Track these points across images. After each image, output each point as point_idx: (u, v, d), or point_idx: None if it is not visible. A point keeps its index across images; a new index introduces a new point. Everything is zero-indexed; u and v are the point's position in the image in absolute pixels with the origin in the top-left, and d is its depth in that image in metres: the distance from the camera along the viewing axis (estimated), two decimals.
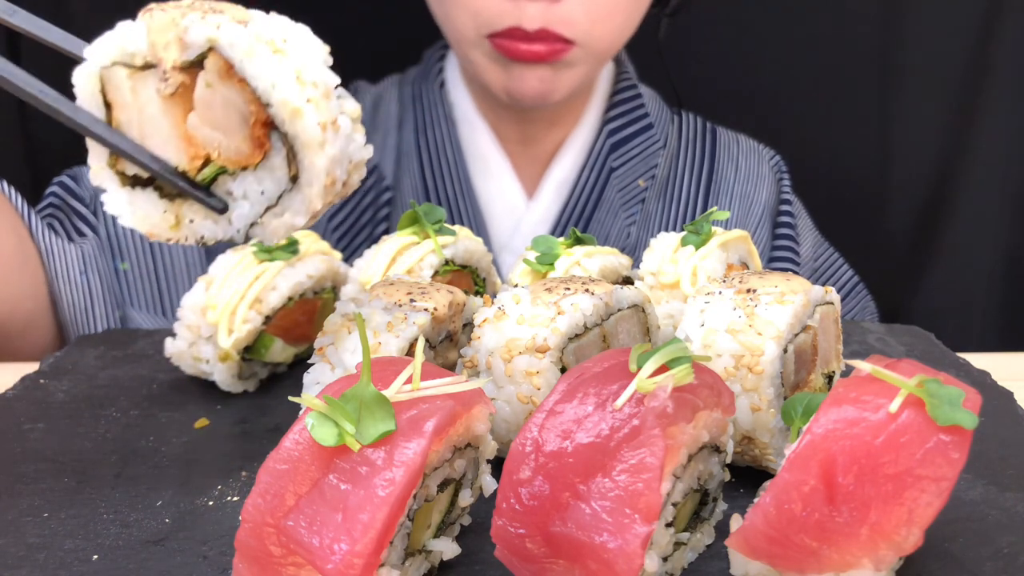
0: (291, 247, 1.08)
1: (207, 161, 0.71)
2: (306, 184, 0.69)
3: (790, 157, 1.89)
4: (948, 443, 0.61)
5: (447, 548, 0.71)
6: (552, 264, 1.05)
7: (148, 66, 0.69)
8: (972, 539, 0.75)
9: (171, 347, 1.05)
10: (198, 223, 0.73)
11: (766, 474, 0.84)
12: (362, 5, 2.03)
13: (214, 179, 0.72)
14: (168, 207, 0.73)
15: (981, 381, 1.05)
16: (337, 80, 0.71)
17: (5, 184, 1.36)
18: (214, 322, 1.01)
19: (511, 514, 0.65)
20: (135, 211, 0.74)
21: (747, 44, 2.10)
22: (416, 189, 1.67)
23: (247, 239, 0.73)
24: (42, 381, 1.09)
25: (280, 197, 0.70)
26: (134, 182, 0.74)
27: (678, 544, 0.71)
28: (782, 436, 0.83)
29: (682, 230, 1.08)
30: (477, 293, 1.12)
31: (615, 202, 1.67)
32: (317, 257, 1.11)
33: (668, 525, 0.68)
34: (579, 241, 1.11)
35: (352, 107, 0.72)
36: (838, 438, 0.63)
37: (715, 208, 1.14)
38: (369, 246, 1.10)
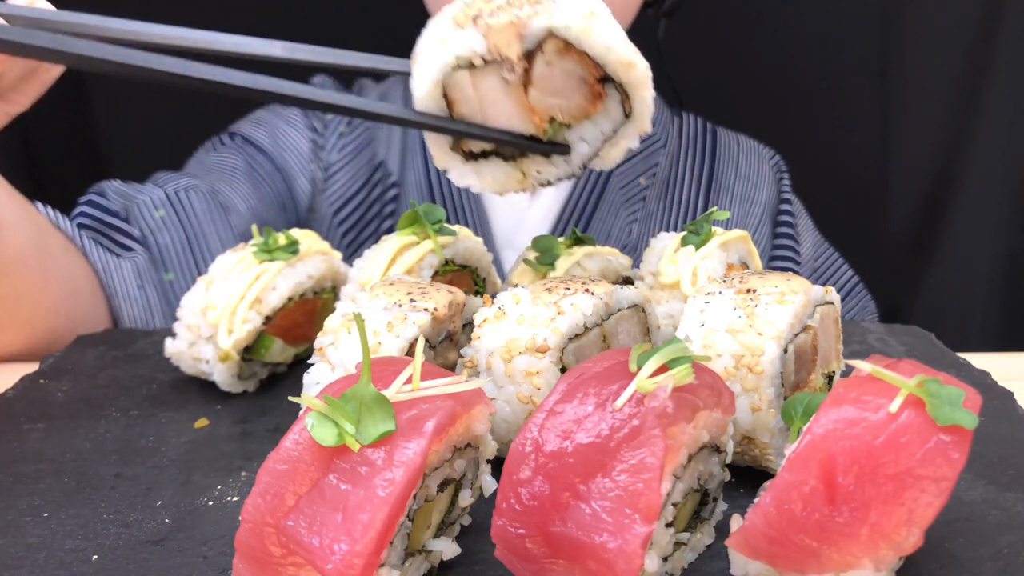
0: (291, 247, 1.08)
1: (550, 122, 0.86)
2: (639, 116, 0.85)
3: (790, 157, 1.89)
4: (948, 443, 0.61)
5: (447, 548, 0.71)
6: (552, 264, 1.05)
7: (486, 63, 0.82)
8: (972, 539, 0.75)
9: (171, 347, 1.05)
10: (543, 171, 0.89)
11: (766, 474, 0.84)
12: (367, 4, 2.03)
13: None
14: (513, 167, 0.88)
15: (981, 381, 1.05)
16: None
17: (50, 209, 1.36)
18: (214, 322, 1.01)
19: (511, 514, 0.65)
20: (483, 178, 0.89)
21: (747, 44, 2.10)
22: (420, 185, 1.67)
23: (581, 172, 0.90)
24: (42, 381, 1.09)
25: (617, 131, 0.87)
26: (475, 157, 0.88)
27: (678, 544, 0.71)
28: (782, 436, 0.83)
29: (683, 230, 1.08)
30: (477, 293, 1.12)
31: (616, 200, 1.68)
32: (317, 257, 1.11)
33: (668, 525, 0.68)
34: (579, 241, 1.11)
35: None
36: (838, 438, 0.63)
37: (715, 208, 1.14)
38: (375, 241, 1.11)
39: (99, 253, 1.39)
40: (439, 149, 0.88)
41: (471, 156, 0.89)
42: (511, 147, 0.87)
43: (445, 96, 0.84)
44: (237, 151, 1.67)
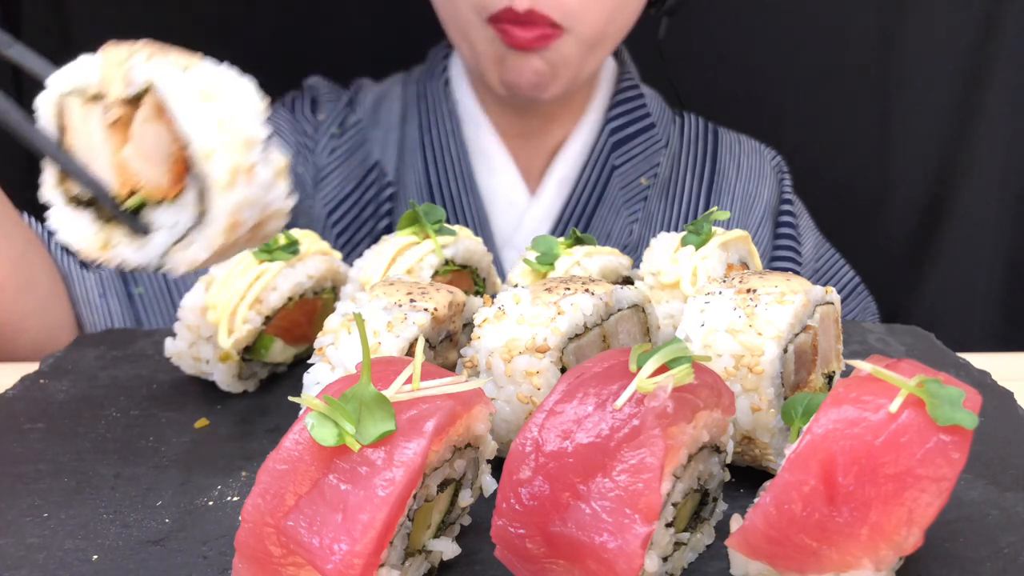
0: (291, 247, 1.08)
1: (136, 190, 0.78)
2: (209, 222, 0.74)
3: (791, 157, 1.89)
4: (948, 443, 0.61)
5: (447, 548, 0.71)
6: (552, 264, 1.05)
7: (98, 97, 0.77)
8: (972, 539, 0.75)
9: (171, 347, 1.05)
10: (122, 247, 0.79)
11: (766, 474, 0.84)
12: (369, 5, 2.03)
13: (141, 207, 0.79)
14: (100, 229, 0.80)
15: (981, 381, 1.05)
16: (264, 134, 0.76)
17: (26, 215, 1.39)
18: (214, 322, 1.01)
19: (511, 514, 0.65)
20: (72, 229, 0.80)
21: (748, 45, 2.10)
22: (420, 185, 1.67)
23: (159, 268, 0.79)
24: (42, 381, 1.09)
25: (189, 231, 0.76)
26: (76, 203, 0.81)
27: (678, 544, 0.71)
28: (782, 436, 0.83)
29: (683, 230, 1.08)
30: (477, 293, 1.12)
31: (617, 200, 1.68)
32: (317, 257, 1.11)
33: (668, 525, 0.68)
34: (579, 241, 1.11)
35: (277, 159, 0.78)
36: (838, 438, 0.63)
37: (716, 208, 1.14)
38: (371, 241, 1.11)
39: (66, 260, 1.42)
40: (48, 177, 0.81)
41: (74, 200, 0.81)
42: (102, 203, 0.79)
43: (62, 122, 0.78)
44: None
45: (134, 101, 0.75)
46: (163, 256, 0.77)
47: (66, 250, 1.45)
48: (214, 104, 0.73)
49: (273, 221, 0.79)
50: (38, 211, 1.40)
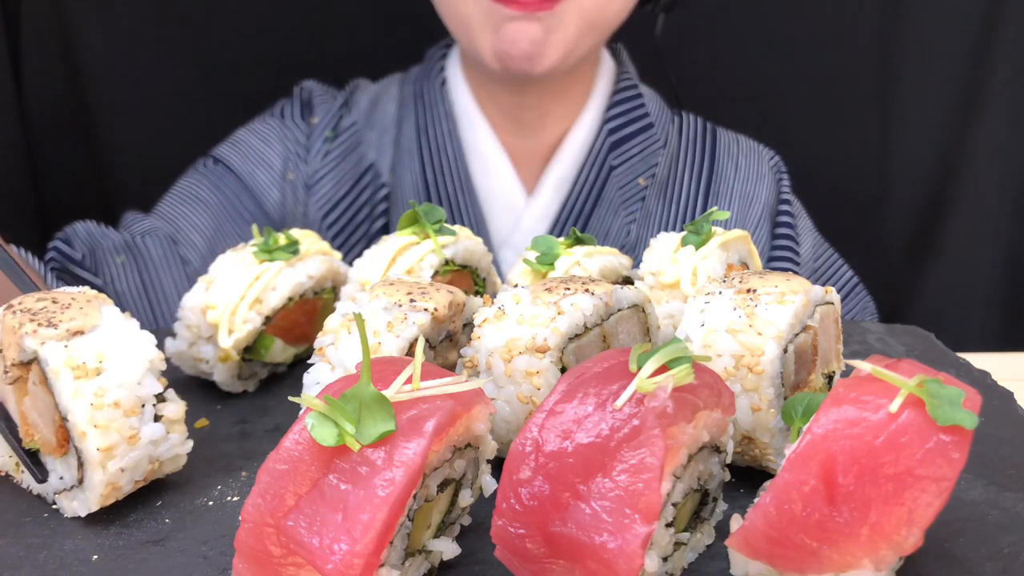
0: (291, 247, 1.08)
1: (31, 438, 0.83)
2: (87, 488, 0.78)
3: (790, 157, 1.89)
4: (948, 443, 0.61)
5: (447, 548, 0.71)
6: (552, 264, 1.05)
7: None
8: (972, 539, 0.75)
9: (171, 347, 1.05)
10: (28, 476, 0.84)
11: (766, 474, 0.84)
12: (367, 5, 2.03)
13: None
14: (13, 454, 0.85)
15: (981, 381, 1.05)
16: (158, 390, 0.81)
17: (22, 249, 1.40)
18: (214, 322, 1.01)
19: (511, 514, 0.65)
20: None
21: (747, 45, 2.10)
22: (417, 186, 1.67)
23: (54, 503, 0.83)
24: None
25: (73, 488, 0.80)
26: None
27: (678, 544, 0.71)
28: (782, 436, 0.83)
29: (682, 230, 1.08)
30: (477, 293, 1.12)
31: (615, 200, 1.68)
32: (317, 257, 1.11)
33: (668, 525, 0.68)
34: (579, 241, 1.11)
35: (173, 411, 0.82)
36: (838, 438, 0.63)
37: (715, 208, 1.14)
38: (366, 242, 1.11)
39: (55, 285, 1.44)
40: None
41: None
42: (5, 438, 0.86)
43: None
44: (206, 176, 1.71)
45: (28, 364, 0.80)
46: (54, 497, 0.82)
47: (58, 277, 1.47)
48: (91, 381, 0.77)
49: (169, 464, 0.83)
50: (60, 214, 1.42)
